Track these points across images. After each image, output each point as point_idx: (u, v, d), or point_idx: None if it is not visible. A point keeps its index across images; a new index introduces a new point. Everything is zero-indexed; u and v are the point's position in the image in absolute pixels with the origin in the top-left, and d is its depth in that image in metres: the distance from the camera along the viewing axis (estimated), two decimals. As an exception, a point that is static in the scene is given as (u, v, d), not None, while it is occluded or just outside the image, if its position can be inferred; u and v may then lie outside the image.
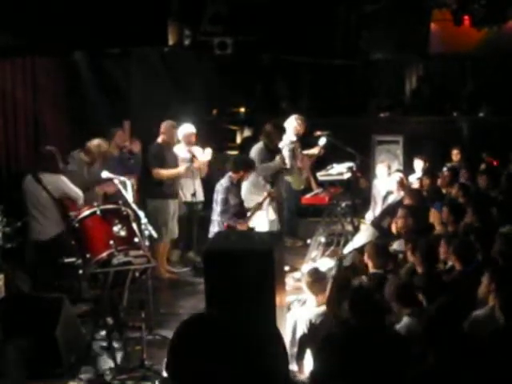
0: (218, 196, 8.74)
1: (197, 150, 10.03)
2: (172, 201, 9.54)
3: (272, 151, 9.68)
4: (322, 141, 10.77)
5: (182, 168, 9.59)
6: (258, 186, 9.44)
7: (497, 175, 10.35)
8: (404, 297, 5.69)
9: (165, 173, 9.45)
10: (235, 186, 8.83)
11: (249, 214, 8.96)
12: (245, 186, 9.37)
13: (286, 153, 10.23)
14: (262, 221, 9.18)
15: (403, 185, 10.58)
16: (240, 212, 8.83)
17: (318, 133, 10.61)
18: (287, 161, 10.23)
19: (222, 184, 8.79)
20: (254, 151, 9.64)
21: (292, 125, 10.52)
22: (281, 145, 10.28)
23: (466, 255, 6.56)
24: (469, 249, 6.66)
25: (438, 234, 7.89)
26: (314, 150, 10.91)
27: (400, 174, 10.91)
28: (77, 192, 8.11)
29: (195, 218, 10.00)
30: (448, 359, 4.47)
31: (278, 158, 9.37)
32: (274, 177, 9.54)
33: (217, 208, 8.76)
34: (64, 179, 8.14)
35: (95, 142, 8.93)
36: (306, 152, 10.92)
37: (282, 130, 9.96)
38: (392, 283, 5.89)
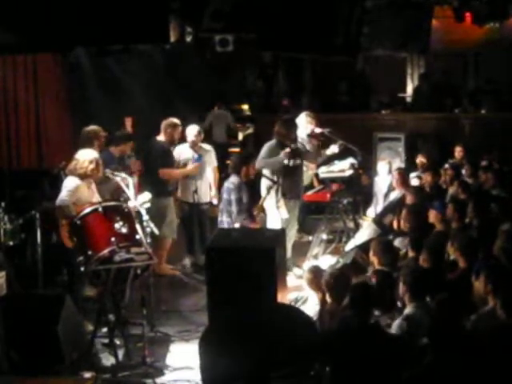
0: (231, 196, 8.56)
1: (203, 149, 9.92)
2: (172, 197, 9.56)
3: (286, 148, 9.47)
4: (334, 148, 10.66)
5: (190, 167, 9.49)
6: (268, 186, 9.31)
7: (502, 173, 10.34)
8: (417, 287, 5.67)
9: (172, 173, 9.42)
10: (246, 184, 8.73)
11: (255, 212, 8.89)
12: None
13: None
14: (275, 220, 9.11)
15: (405, 182, 10.56)
16: (250, 210, 8.75)
17: (318, 130, 10.57)
18: (308, 147, 10.14)
19: (234, 182, 8.63)
20: (265, 146, 9.49)
21: (302, 122, 10.42)
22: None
23: (470, 252, 6.55)
24: (473, 246, 6.65)
25: (442, 231, 7.87)
26: (327, 152, 10.77)
27: (401, 171, 10.88)
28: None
29: (205, 220, 9.87)
30: (447, 356, 4.48)
31: (282, 153, 9.23)
32: (286, 174, 9.35)
33: (230, 208, 8.62)
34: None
35: (86, 131, 8.63)
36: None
37: (293, 126, 9.75)
38: (409, 272, 5.86)
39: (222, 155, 10.67)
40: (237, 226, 8.50)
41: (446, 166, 11.30)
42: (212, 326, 4.39)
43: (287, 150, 9.19)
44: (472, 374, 4.48)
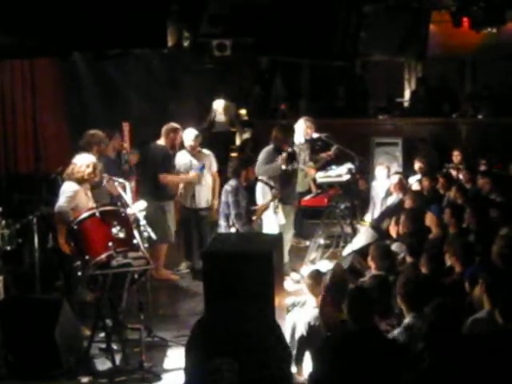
0: (229, 198, 8.51)
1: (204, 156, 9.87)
2: (172, 202, 9.55)
3: (283, 152, 9.46)
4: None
5: (191, 174, 9.50)
6: (265, 191, 9.33)
7: (498, 178, 10.35)
8: (413, 298, 5.66)
9: (172, 178, 9.42)
10: (244, 189, 8.72)
11: (254, 217, 8.88)
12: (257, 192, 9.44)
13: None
14: (273, 225, 9.10)
15: (402, 186, 10.58)
16: (249, 214, 8.73)
17: (316, 135, 10.59)
18: (306, 153, 10.26)
19: (232, 185, 8.59)
20: (262, 152, 9.53)
21: (301, 127, 10.45)
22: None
23: (466, 257, 6.56)
24: (470, 251, 6.65)
25: (436, 236, 7.87)
26: (323, 155, 10.84)
27: (399, 176, 10.90)
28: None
29: (204, 225, 9.84)
30: (444, 361, 4.47)
31: (280, 159, 9.27)
32: (284, 179, 9.40)
33: (227, 211, 8.59)
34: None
35: (89, 134, 8.59)
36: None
37: (290, 132, 9.82)
38: (403, 283, 5.85)
39: (224, 146, 10.66)
40: (233, 229, 8.49)
41: (444, 170, 11.32)
42: (199, 328, 4.42)
43: (284, 154, 9.23)
44: (469, 379, 4.47)
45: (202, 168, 9.53)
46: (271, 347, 4.88)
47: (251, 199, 9.13)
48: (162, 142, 9.45)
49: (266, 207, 8.99)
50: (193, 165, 9.60)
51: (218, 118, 14.73)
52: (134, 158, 9.66)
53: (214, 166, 9.93)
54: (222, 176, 9.73)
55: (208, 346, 4.56)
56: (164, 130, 9.44)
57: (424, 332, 4.81)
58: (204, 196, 9.72)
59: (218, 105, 14.70)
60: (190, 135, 9.67)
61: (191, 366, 4.37)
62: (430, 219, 8.18)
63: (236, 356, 4.65)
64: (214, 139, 13.87)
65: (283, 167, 9.23)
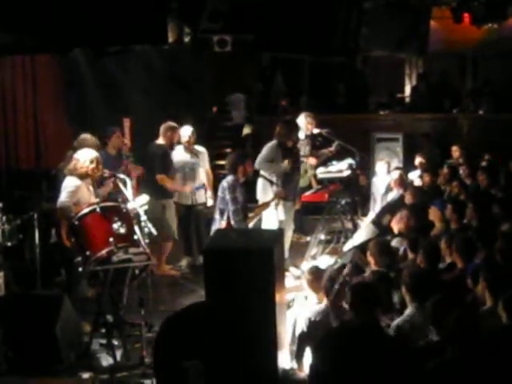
0: (226, 194, 8.50)
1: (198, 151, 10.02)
2: (171, 200, 9.59)
3: (287, 149, 9.50)
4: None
5: (187, 188, 9.65)
6: (266, 187, 9.36)
7: (496, 173, 10.34)
8: (418, 289, 5.68)
9: (169, 183, 9.48)
10: (240, 185, 8.71)
11: (252, 214, 8.87)
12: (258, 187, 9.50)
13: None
14: (272, 221, 9.11)
15: (403, 182, 10.57)
16: (246, 211, 8.73)
17: (317, 130, 10.59)
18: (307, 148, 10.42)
19: (229, 181, 8.54)
20: (265, 148, 9.54)
21: (302, 122, 10.46)
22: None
23: (468, 253, 6.56)
24: (471, 247, 6.65)
25: (439, 231, 7.88)
26: (324, 151, 10.88)
27: (399, 172, 10.90)
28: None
29: (200, 221, 9.92)
30: (470, 356, 4.48)
31: (286, 162, 9.33)
32: (285, 177, 9.44)
33: (223, 207, 8.59)
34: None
35: (80, 138, 8.58)
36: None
37: (295, 128, 9.84)
38: (409, 274, 5.87)
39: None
40: (223, 222, 8.49)
41: (444, 166, 11.32)
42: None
43: (291, 161, 9.31)
44: (487, 375, 4.49)
45: (199, 188, 9.77)
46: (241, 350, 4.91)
47: (249, 195, 9.15)
48: (160, 141, 9.52)
49: (266, 206, 9.00)
50: (189, 162, 9.76)
51: (233, 112, 14.91)
52: (137, 170, 9.65)
53: (207, 164, 10.14)
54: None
55: (176, 347, 4.58)
56: (162, 128, 9.53)
57: (450, 326, 4.78)
58: (200, 192, 9.88)
59: (231, 100, 14.88)
60: (186, 132, 9.82)
61: (158, 366, 4.38)
62: (433, 214, 8.18)
63: (203, 359, 4.67)
64: (232, 131, 14.05)
65: (287, 172, 9.32)
